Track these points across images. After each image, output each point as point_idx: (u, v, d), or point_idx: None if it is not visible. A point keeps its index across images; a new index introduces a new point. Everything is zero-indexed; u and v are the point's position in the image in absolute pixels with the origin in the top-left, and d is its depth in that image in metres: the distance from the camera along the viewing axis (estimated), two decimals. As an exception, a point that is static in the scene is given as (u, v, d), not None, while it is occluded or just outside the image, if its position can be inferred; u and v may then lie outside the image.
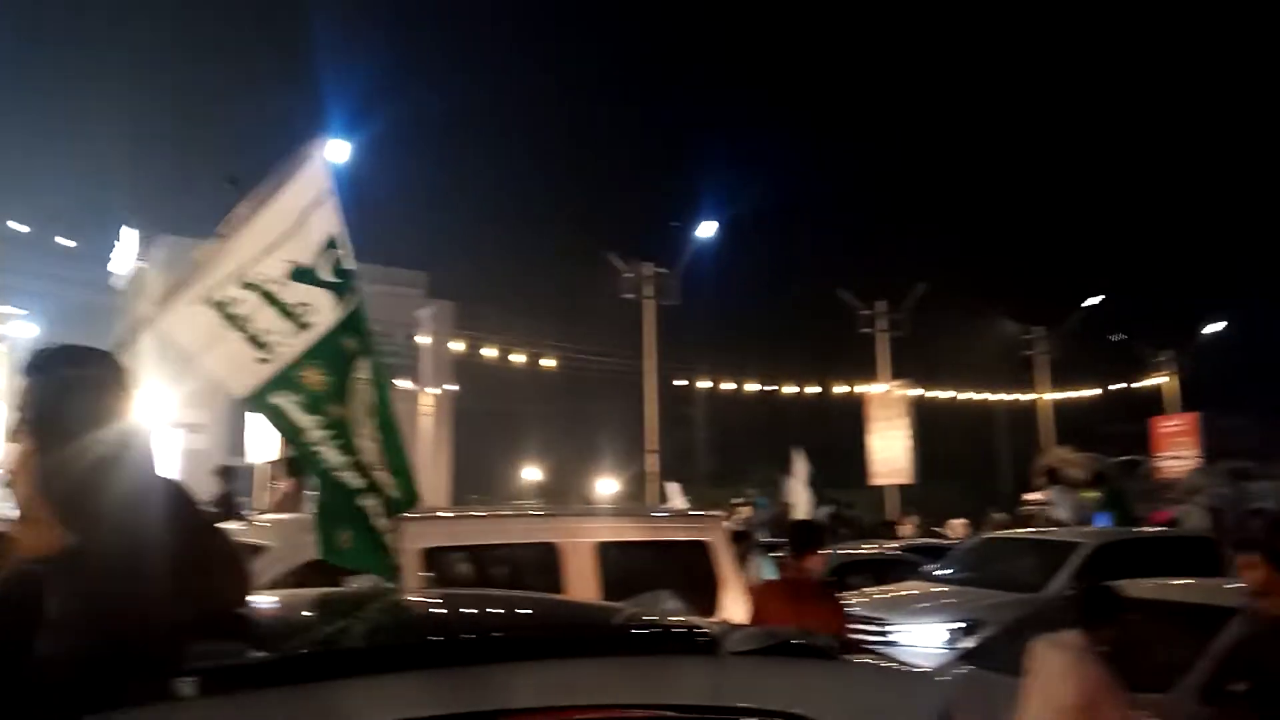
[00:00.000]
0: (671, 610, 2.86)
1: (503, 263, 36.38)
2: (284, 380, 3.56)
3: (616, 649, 2.25)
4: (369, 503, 3.59)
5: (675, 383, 30.14)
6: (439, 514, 6.00)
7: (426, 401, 21.94)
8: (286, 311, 3.52)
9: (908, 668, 2.75)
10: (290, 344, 3.55)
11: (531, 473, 33.64)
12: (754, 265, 40.93)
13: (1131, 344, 32.00)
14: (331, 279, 3.57)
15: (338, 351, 3.57)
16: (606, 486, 28.42)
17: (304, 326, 3.55)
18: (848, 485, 27.28)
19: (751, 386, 29.28)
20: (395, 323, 21.87)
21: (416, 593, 3.75)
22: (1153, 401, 31.20)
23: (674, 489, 21.64)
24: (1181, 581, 6.69)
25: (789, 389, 29.18)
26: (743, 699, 2.25)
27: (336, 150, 18.92)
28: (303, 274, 3.53)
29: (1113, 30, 62.88)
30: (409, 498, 3.65)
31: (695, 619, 2.62)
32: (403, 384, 21.61)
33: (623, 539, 5.75)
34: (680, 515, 7.96)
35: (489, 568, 5.58)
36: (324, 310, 3.56)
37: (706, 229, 23.84)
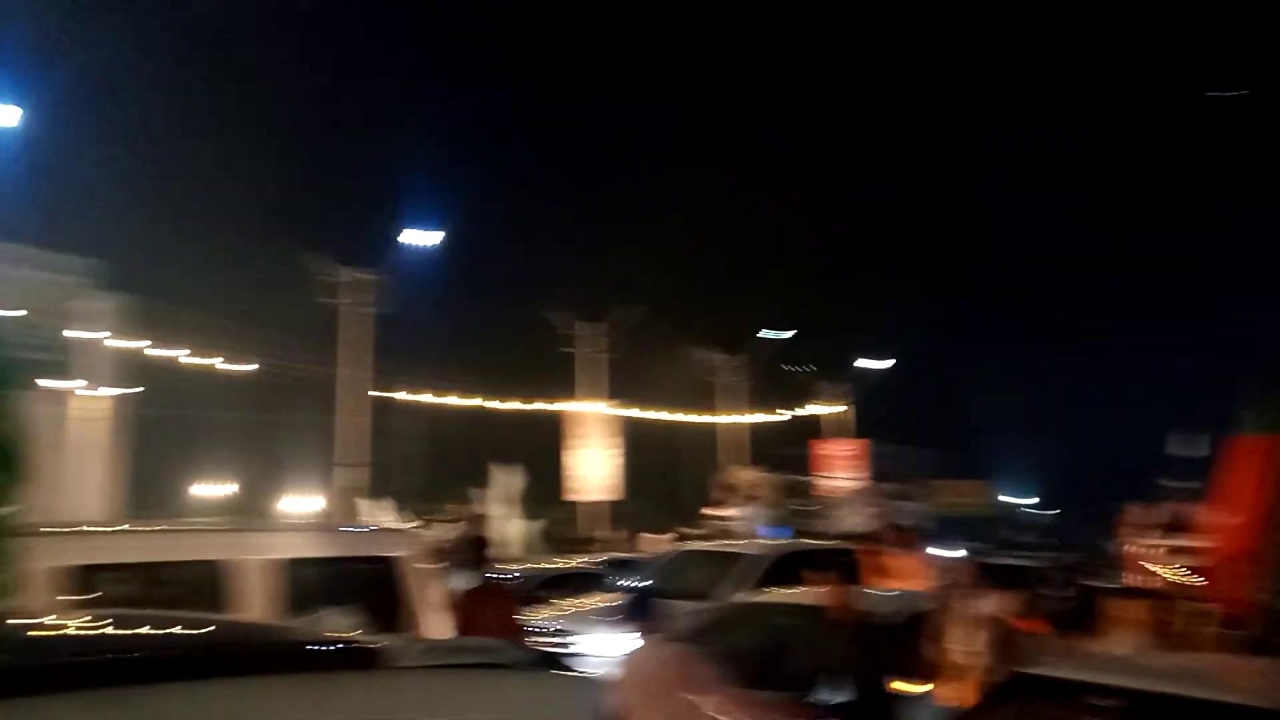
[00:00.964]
0: (342, 626, 2.76)
1: (195, 258, 33.40)
2: None
3: (276, 667, 2.15)
4: None
5: (385, 394, 29.18)
6: (87, 529, 5.39)
7: (91, 405, 19.51)
8: None
9: (572, 675, 2.83)
10: None
11: (218, 487, 31.07)
12: (469, 279, 40.55)
13: (812, 375, 35.37)
14: None
15: None
16: (304, 502, 26.89)
17: None
18: (556, 501, 27.75)
19: (463, 401, 29.00)
20: (47, 312, 18.99)
21: (48, 614, 3.33)
22: (828, 428, 34.57)
23: (376, 504, 20.96)
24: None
25: (500, 404, 29.21)
26: (409, 713, 2.23)
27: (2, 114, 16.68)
28: None
29: (800, 74, 68.91)
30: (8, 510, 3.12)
31: (361, 635, 2.53)
32: (51, 384, 18.86)
33: (302, 555, 5.46)
34: (367, 531, 7.75)
35: (148, 587, 5.10)
36: None
37: (418, 237, 23.30)
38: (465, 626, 6.29)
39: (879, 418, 36.20)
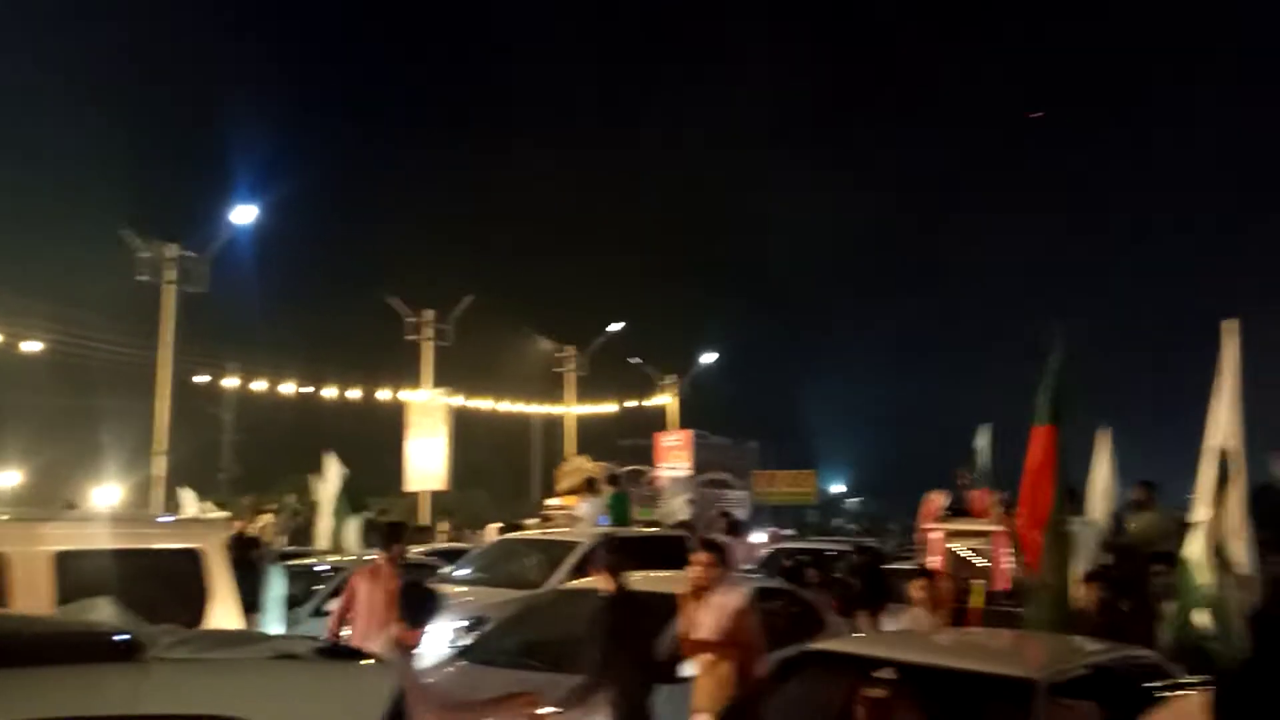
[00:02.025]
0: (107, 617, 2.66)
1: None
2: None
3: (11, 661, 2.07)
4: None
5: (199, 379, 27.67)
6: None
7: None
8: None
9: (355, 664, 2.83)
10: None
11: (9, 476, 28.63)
12: (297, 261, 38.97)
13: (644, 368, 35.97)
14: None
15: None
16: (108, 493, 25.16)
17: None
18: (387, 492, 27.07)
19: (288, 388, 27.81)
20: None
21: None
22: (658, 419, 35.31)
23: (188, 495, 19.83)
24: (658, 574, 7.62)
25: (329, 392, 28.19)
26: (166, 704, 2.20)
27: None
28: None
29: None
30: None
31: (120, 625, 2.46)
32: None
33: (91, 547, 5.20)
34: (166, 522, 7.45)
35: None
36: None
37: (242, 214, 22.00)
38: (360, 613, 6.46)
39: (707, 409, 37.23)
